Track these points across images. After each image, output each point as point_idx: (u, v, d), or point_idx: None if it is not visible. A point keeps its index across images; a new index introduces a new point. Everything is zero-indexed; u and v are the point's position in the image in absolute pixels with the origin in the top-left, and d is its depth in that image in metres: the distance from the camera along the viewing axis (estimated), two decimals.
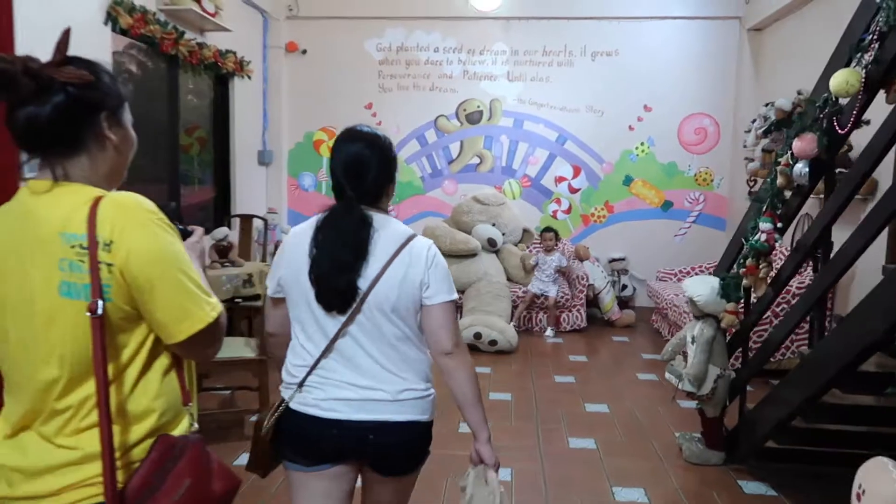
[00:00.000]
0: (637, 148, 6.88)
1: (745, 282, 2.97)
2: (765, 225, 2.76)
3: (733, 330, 3.29)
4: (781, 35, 6.04)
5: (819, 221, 2.62)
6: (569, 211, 7.02)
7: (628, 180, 6.92)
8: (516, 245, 6.60)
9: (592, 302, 6.52)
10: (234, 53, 6.04)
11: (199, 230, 1.46)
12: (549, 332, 6.03)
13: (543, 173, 6.99)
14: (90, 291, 1.14)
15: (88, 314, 1.14)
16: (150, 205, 1.22)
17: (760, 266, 2.82)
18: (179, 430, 1.27)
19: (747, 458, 3.17)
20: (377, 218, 1.63)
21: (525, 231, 6.62)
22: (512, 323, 5.76)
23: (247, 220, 6.09)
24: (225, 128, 6.33)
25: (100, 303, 1.14)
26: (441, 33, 6.94)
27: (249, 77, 6.40)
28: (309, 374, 1.61)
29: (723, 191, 6.85)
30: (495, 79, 6.94)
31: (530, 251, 6.53)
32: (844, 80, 2.33)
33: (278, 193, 7.11)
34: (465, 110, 7.00)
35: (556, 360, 5.27)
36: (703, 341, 3.25)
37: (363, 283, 1.57)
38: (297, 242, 1.64)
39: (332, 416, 1.58)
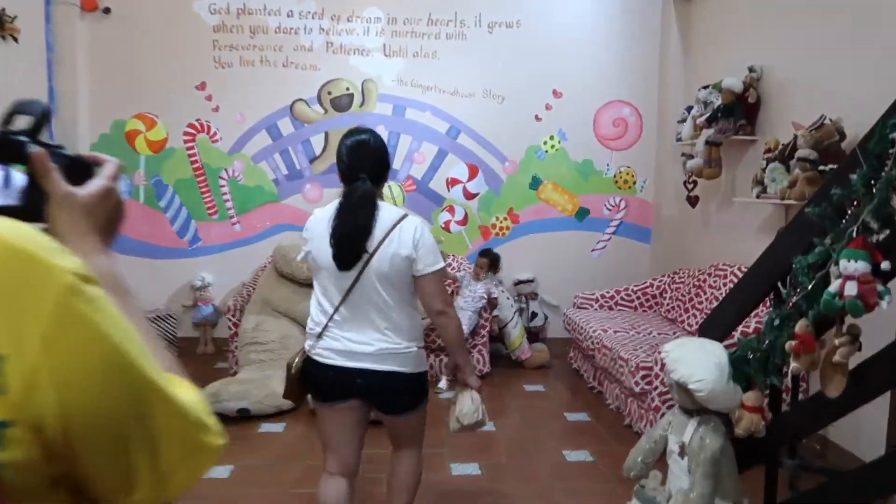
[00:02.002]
0: (546, 143, 5.58)
1: (793, 365, 1.61)
2: (854, 264, 1.41)
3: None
4: (715, 6, 4.91)
5: None
6: (464, 221, 5.60)
7: (536, 183, 5.61)
8: None
9: (497, 336, 5.15)
10: None
11: (111, 162, 0.81)
12: (442, 383, 4.56)
13: (432, 174, 5.54)
14: None
15: None
16: (56, 250, 0.58)
17: (838, 341, 1.47)
18: None
19: None
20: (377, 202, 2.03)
21: None
22: None
23: None
24: None
25: None
26: None
27: (16, 39, 4.52)
28: (322, 331, 2.04)
29: (647, 195, 5.68)
30: (368, 53, 5.42)
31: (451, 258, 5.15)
32: None
33: None
34: (329, 94, 5.43)
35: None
36: (706, 459, 1.87)
37: (369, 248, 1.96)
38: (318, 220, 2.05)
39: (328, 362, 2.04)
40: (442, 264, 2.05)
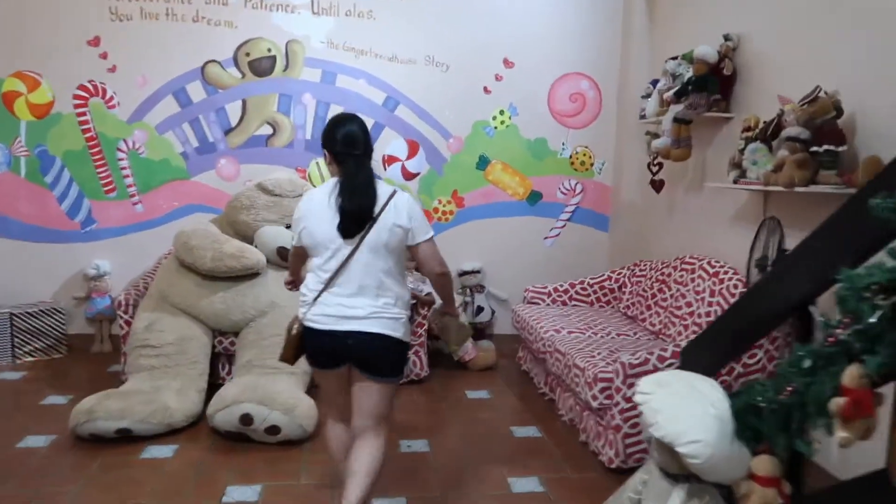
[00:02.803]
0: (495, 118, 4.99)
1: (841, 434, 1.07)
2: None
3: None
4: None
5: None
6: None
7: (484, 163, 5.03)
8: None
9: (437, 334, 4.57)
10: None
11: None
12: None
13: None
14: None
15: None
16: None
17: None
18: None
19: None
20: None
21: None
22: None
23: None
24: None
25: None
26: None
27: None
28: (317, 297, 2.23)
29: (605, 178, 5.16)
30: (294, 10, 4.71)
31: None
32: None
33: None
34: (248, 55, 4.71)
35: None
36: None
37: (370, 221, 2.19)
38: (314, 201, 2.26)
39: (322, 328, 2.23)
40: (432, 232, 2.31)
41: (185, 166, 4.73)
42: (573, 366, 3.34)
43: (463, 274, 4.95)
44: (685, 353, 1.65)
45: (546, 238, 5.14)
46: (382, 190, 2.23)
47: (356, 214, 2.17)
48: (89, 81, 4.57)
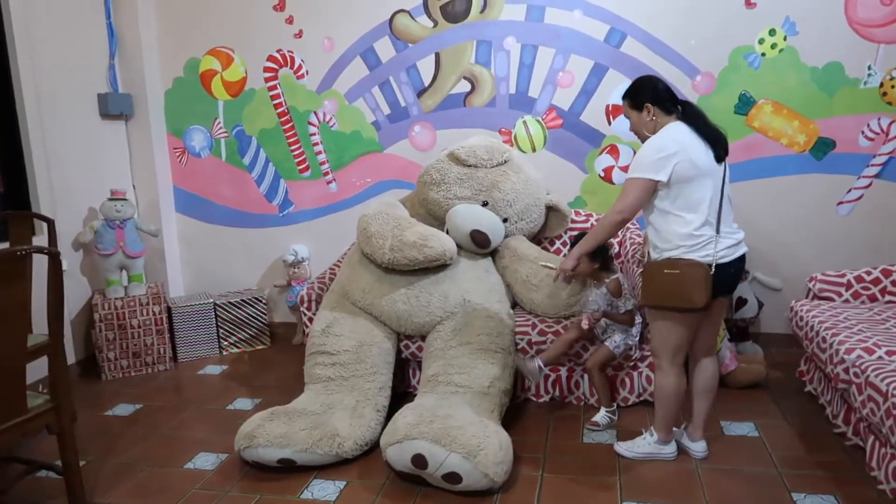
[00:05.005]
0: (762, 42, 3.65)
1: None
2: None
3: None
4: None
5: None
6: None
7: (746, 104, 3.72)
8: (535, 238, 3.63)
9: None
10: None
11: None
12: (599, 415, 3.04)
13: (585, 101, 3.89)
14: None
15: None
16: None
17: None
18: None
19: None
20: None
21: (551, 211, 3.62)
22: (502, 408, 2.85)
23: (22, 222, 3.39)
24: None
25: None
26: None
27: None
28: (717, 232, 2.35)
29: None
30: None
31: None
32: None
33: (149, 165, 4.37)
34: None
35: None
36: None
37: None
38: (683, 133, 2.35)
39: (730, 260, 2.37)
40: None
41: (377, 137, 4.17)
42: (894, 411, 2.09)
43: None
44: None
45: (840, 203, 3.69)
46: None
47: (723, 140, 2.39)
48: (277, 51, 4.20)
